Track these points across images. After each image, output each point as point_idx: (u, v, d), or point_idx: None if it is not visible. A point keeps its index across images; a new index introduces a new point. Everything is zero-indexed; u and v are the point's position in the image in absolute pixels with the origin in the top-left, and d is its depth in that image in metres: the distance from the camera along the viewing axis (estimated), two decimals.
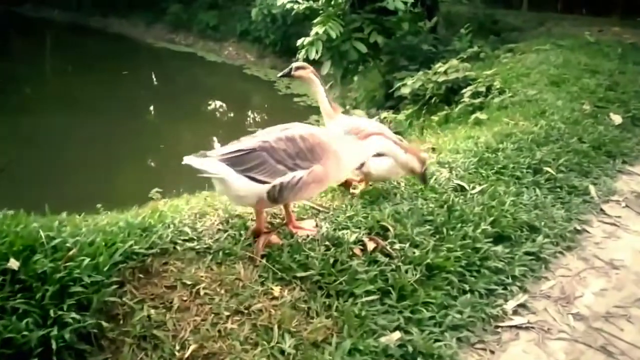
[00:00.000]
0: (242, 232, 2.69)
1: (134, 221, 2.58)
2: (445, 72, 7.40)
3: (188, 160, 2.50)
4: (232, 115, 16.38)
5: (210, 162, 2.49)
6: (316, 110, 14.74)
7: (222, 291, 2.35)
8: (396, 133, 7.26)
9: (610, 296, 2.89)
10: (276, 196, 2.55)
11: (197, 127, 13.99)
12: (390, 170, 3.20)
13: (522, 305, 2.71)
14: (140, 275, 2.32)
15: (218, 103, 16.80)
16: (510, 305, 2.68)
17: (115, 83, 16.09)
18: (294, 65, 3.47)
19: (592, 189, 4.05)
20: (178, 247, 2.50)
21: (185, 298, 2.29)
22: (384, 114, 7.41)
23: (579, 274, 3.06)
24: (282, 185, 2.53)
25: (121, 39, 21.89)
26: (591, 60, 7.84)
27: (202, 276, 2.40)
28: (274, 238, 2.68)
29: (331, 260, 2.59)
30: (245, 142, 2.59)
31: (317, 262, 2.57)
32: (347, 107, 9.22)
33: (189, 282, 2.34)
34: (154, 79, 19.09)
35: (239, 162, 2.51)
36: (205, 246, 2.56)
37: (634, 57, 8.62)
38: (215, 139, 13.85)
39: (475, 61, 8.93)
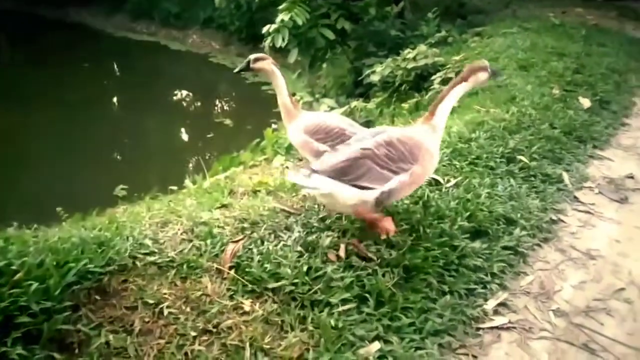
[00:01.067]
0: (208, 241, 2.52)
1: (88, 235, 2.38)
2: (414, 59, 7.30)
3: (293, 178, 2.54)
4: (199, 105, 15.97)
5: (317, 179, 2.50)
6: None
7: (188, 309, 2.18)
8: (366, 122, 7.21)
9: (589, 289, 2.84)
10: (384, 201, 2.64)
11: (163, 118, 13.59)
12: None
13: (502, 304, 2.63)
14: (97, 297, 2.13)
15: (184, 93, 16.34)
16: (490, 305, 2.60)
17: (75, 75, 15.45)
18: (251, 57, 3.27)
19: (565, 176, 4.01)
20: (138, 263, 2.32)
21: (147, 319, 2.12)
22: (354, 103, 7.26)
23: (557, 267, 3.01)
24: (390, 191, 2.61)
25: (80, 29, 21.01)
26: (557, 43, 7.85)
27: (165, 293, 2.22)
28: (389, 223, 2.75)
29: (305, 268, 2.45)
30: (345, 152, 2.62)
31: (290, 270, 2.42)
32: (317, 95, 9.03)
33: (151, 301, 2.17)
34: (116, 70, 18.44)
35: (345, 172, 2.55)
36: (168, 259, 2.38)
37: (598, 39, 8.69)
38: (182, 130, 13.52)
39: (444, 46, 8.86)
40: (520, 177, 3.87)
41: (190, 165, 10.90)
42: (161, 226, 2.66)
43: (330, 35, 9.02)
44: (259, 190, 3.43)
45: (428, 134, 2.81)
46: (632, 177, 4.23)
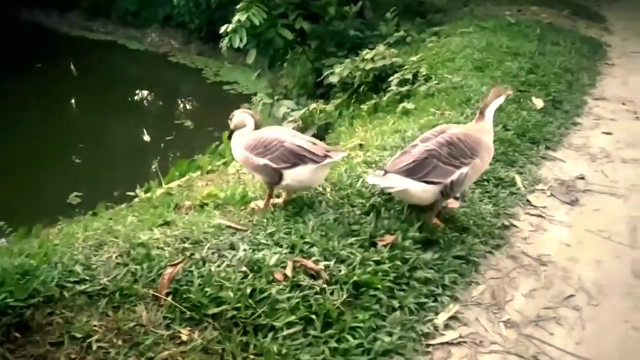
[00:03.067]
0: (144, 265, 2.38)
1: (11, 263, 2.20)
2: (372, 59, 7.25)
3: (372, 180, 2.96)
4: (158, 106, 15.58)
5: (393, 178, 2.91)
6: (247, 99, 14.35)
7: (120, 342, 2.04)
8: (325, 124, 7.12)
9: (540, 297, 2.83)
10: (448, 192, 3.05)
11: (121, 120, 13.16)
12: (311, 177, 2.96)
13: (453, 317, 2.59)
14: (17, 334, 1.96)
15: (143, 94, 15.90)
16: (441, 319, 2.55)
17: (27, 76, 14.82)
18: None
19: (518, 179, 4.02)
20: (66, 293, 2.16)
21: (74, 355, 1.97)
22: (312, 105, 7.16)
23: (509, 275, 2.99)
24: (452, 183, 3.01)
25: (32, 28, 20.16)
26: (512, 42, 7.95)
27: (95, 326, 2.07)
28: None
29: (248, 290, 2.34)
30: (413, 152, 3.02)
31: (233, 293, 2.31)
32: (276, 97, 8.89)
33: (78, 335, 2.02)
34: (72, 71, 17.79)
35: (415, 171, 2.94)
36: (99, 287, 2.23)
37: (552, 37, 8.85)
38: (141, 132, 13.13)
39: (402, 45, 8.87)
40: (474, 182, 3.85)
41: (148, 169, 10.60)
42: (95, 249, 2.50)
43: (289, 35, 8.89)
44: (206, 204, 3.30)
45: (484, 132, 3.28)
46: (582, 178, 4.29)
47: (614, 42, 10.20)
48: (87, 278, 2.25)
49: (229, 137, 3.35)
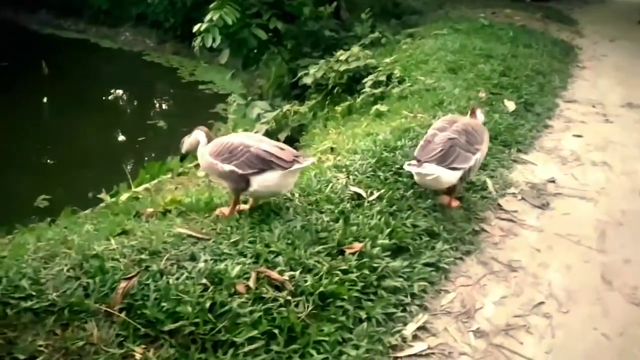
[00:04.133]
0: (97, 278, 2.24)
1: None
2: (346, 61, 7.19)
3: (410, 169, 3.25)
4: (132, 106, 15.26)
5: (428, 166, 3.20)
6: (222, 99, 14.16)
7: None
8: (299, 126, 7.03)
9: (510, 304, 2.79)
10: (466, 177, 3.44)
11: (93, 121, 12.80)
12: (279, 184, 2.86)
13: (422, 327, 2.53)
14: None
15: (116, 93, 15.57)
16: (410, 330, 2.48)
17: None
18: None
19: (489, 183, 3.99)
20: (9, 310, 2.02)
21: None
22: (286, 107, 7.06)
23: (479, 282, 2.95)
24: (470, 168, 3.38)
25: (0, 25, 19.57)
26: (485, 45, 7.99)
27: (40, 345, 1.94)
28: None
29: (208, 304, 2.23)
30: (437, 141, 3.30)
31: (191, 308, 2.19)
32: (250, 98, 8.75)
33: (21, 357, 1.88)
34: (43, 70, 17.30)
35: (443, 159, 3.22)
36: (47, 303, 2.09)
37: (524, 40, 8.93)
38: (114, 133, 12.82)
39: (377, 47, 8.83)
40: None
41: (119, 171, 10.34)
42: (46, 262, 2.35)
43: (263, 35, 8.76)
44: (169, 211, 3.17)
45: (480, 122, 3.75)
46: (553, 182, 4.29)
47: (584, 45, 10.37)
48: (34, 294, 2.11)
49: (181, 160, 3.43)
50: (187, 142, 3.17)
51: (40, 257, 2.38)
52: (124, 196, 4.94)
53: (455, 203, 3.54)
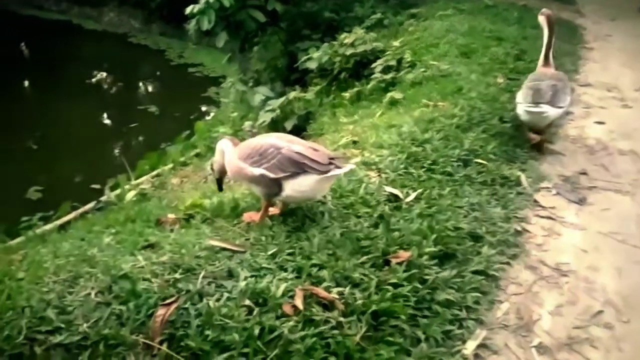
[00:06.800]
0: (131, 304, 2.00)
1: None
2: (352, 44, 6.89)
3: (528, 109, 4.12)
4: (120, 91, 14.74)
5: (546, 107, 4.07)
6: (213, 81, 13.72)
7: None
8: (306, 114, 6.75)
9: (567, 314, 2.61)
10: (562, 116, 4.55)
11: (80, 107, 12.36)
12: (315, 189, 2.62)
13: (482, 345, 2.34)
14: None
15: (103, 77, 15.04)
16: (470, 348, 2.29)
17: None
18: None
19: (523, 177, 3.80)
20: (38, 347, 1.77)
21: None
22: (292, 93, 6.75)
23: (531, 289, 2.76)
24: (566, 106, 4.38)
25: None
26: (494, 26, 7.74)
27: None
28: None
29: (256, 330, 2.01)
30: (544, 88, 4.13)
31: (238, 335, 1.97)
32: (250, 84, 8.41)
33: None
34: (24, 53, 16.65)
35: (553, 100, 4.09)
36: (78, 337, 1.84)
37: (530, 21, 8.66)
38: (103, 119, 12.39)
39: (380, 29, 8.53)
40: (479, 182, 3.61)
41: (114, 160, 9.97)
42: (70, 284, 2.10)
43: (261, 17, 8.40)
44: (192, 216, 2.92)
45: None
46: (585, 174, 4.11)
47: (587, 24, 10.15)
48: (63, 326, 1.86)
49: (220, 189, 3.09)
50: (216, 163, 2.93)
51: (62, 279, 2.12)
52: (129, 194, 4.67)
53: (536, 139, 4.33)
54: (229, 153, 2.77)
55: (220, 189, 3.08)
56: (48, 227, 4.82)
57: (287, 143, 2.63)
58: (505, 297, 2.68)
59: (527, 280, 2.83)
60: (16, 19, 18.09)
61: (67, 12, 18.79)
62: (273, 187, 2.61)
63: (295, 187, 2.59)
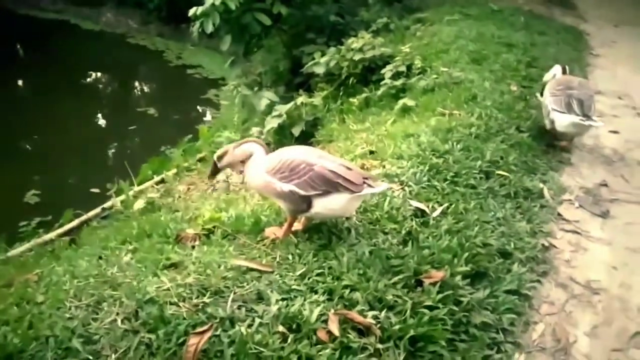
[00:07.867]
0: (160, 332, 1.89)
1: None
2: (360, 49, 6.79)
3: (580, 121, 4.15)
4: (118, 92, 14.58)
5: (590, 121, 4.18)
6: (213, 83, 13.59)
7: None
8: (314, 120, 6.64)
9: (604, 336, 2.53)
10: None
11: (78, 109, 12.18)
12: (345, 207, 2.52)
13: None
14: None
15: (102, 79, 14.88)
16: None
17: None
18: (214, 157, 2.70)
19: (545, 190, 3.72)
20: None
21: None
22: (300, 98, 6.63)
23: (564, 309, 2.68)
24: None
25: None
26: (502, 32, 7.67)
27: None
28: None
29: (294, 359, 1.90)
30: (586, 100, 4.24)
31: None
32: (255, 88, 8.28)
33: None
34: (20, 53, 16.42)
35: (593, 112, 4.26)
36: None
37: (536, 27, 8.65)
38: (101, 122, 12.22)
39: (386, 33, 8.44)
40: (502, 195, 3.52)
41: (113, 164, 9.81)
42: (93, 310, 1.99)
43: (267, 20, 8.27)
44: (211, 232, 2.81)
45: None
46: (605, 185, 4.05)
47: (590, 30, 10.13)
48: (91, 358, 1.75)
49: (213, 176, 2.87)
50: (230, 155, 2.67)
51: (85, 304, 2.01)
52: (137, 203, 4.54)
53: (566, 145, 4.54)
54: (256, 161, 2.63)
55: (212, 176, 2.89)
56: (52, 235, 4.69)
57: (318, 159, 2.53)
58: (539, 318, 2.59)
59: (559, 299, 2.75)
60: (12, 18, 17.86)
61: (64, 12, 18.55)
62: (302, 204, 2.50)
63: (326, 205, 2.49)
